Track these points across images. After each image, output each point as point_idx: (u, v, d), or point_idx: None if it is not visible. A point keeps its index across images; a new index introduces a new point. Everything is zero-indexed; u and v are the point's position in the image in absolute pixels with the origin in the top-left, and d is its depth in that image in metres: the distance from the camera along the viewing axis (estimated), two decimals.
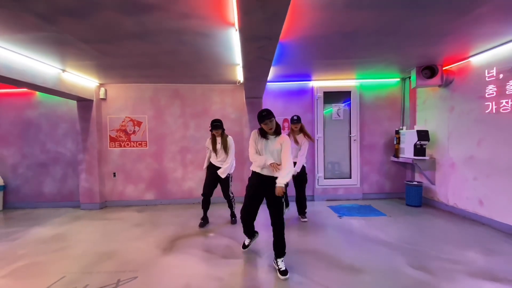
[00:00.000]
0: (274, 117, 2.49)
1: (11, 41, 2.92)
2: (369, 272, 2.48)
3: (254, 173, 2.64)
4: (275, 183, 2.43)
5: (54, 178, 5.11)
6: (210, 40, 2.96)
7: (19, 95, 5.04)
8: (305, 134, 3.79)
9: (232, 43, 3.02)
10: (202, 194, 3.83)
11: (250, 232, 2.88)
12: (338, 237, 3.36)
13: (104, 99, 5.05)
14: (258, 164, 2.56)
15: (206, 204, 3.87)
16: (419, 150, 4.49)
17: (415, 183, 4.67)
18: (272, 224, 2.55)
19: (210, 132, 3.76)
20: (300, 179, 3.89)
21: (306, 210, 4.04)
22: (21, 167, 5.09)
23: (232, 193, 3.92)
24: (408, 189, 4.71)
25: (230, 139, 3.75)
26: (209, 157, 3.87)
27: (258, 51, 2.38)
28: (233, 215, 3.99)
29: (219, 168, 3.74)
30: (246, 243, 2.95)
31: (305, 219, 3.97)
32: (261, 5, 1.56)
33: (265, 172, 2.57)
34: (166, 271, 2.57)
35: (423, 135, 4.44)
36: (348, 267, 2.58)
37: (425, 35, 3.06)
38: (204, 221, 3.87)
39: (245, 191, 2.73)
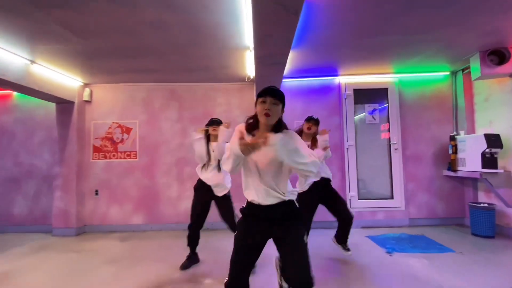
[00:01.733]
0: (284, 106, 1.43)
1: None
2: None
3: (249, 206, 1.46)
4: (288, 216, 1.42)
5: (26, 196, 4.22)
6: (209, 1, 2.09)
7: None
8: (315, 142, 2.65)
9: (239, 6, 2.14)
10: (189, 225, 2.73)
11: None
12: None
13: (88, 102, 4.24)
14: (234, 156, 1.31)
15: (194, 238, 2.77)
16: (489, 161, 3.35)
17: (485, 205, 3.48)
18: (295, 284, 1.34)
19: (205, 131, 2.69)
20: (328, 192, 2.72)
21: (348, 236, 2.80)
22: None
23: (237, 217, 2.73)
24: (474, 214, 3.52)
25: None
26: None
27: None
28: None
29: (210, 188, 2.65)
30: None
31: (349, 252, 2.76)
32: None
33: (269, 198, 1.39)
34: None
35: (493, 140, 3.33)
36: None
37: None
38: (191, 261, 2.76)
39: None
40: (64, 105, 4.06)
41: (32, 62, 3.28)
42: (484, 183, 3.56)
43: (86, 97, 4.19)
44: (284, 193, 1.40)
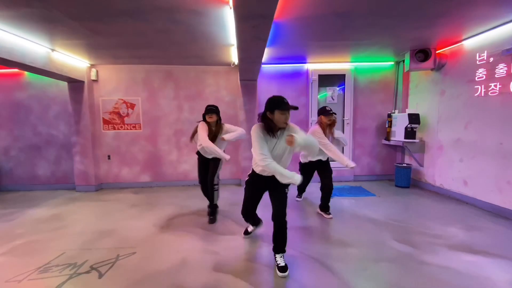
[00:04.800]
0: None
1: None
2: (356, 246, 2.63)
3: (254, 173, 2.35)
4: (278, 181, 2.07)
5: (47, 160, 5.09)
6: (204, 19, 2.91)
7: (6, 76, 4.90)
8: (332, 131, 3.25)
9: (226, 22, 2.98)
10: (200, 182, 3.45)
11: (254, 221, 2.73)
12: None
13: (95, 81, 4.95)
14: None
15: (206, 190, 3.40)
16: (410, 133, 4.59)
17: (405, 165, 4.82)
18: (274, 219, 2.25)
19: (203, 118, 3.17)
20: (324, 166, 3.42)
21: (329, 204, 3.45)
22: (13, 149, 5.03)
23: (218, 178, 3.36)
24: (397, 171, 4.86)
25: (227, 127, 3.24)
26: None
27: (253, 30, 2.36)
28: (213, 211, 3.38)
29: (209, 159, 3.27)
30: (250, 230, 2.84)
31: (330, 216, 3.40)
32: None
33: (266, 172, 2.23)
34: (163, 247, 2.67)
35: (414, 118, 4.53)
36: (337, 241, 2.73)
37: (419, 17, 3.05)
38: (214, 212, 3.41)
39: (244, 183, 2.48)
40: (75, 84, 4.76)
41: (53, 50, 3.94)
42: (406, 149, 4.86)
43: (93, 76, 4.89)
44: None
